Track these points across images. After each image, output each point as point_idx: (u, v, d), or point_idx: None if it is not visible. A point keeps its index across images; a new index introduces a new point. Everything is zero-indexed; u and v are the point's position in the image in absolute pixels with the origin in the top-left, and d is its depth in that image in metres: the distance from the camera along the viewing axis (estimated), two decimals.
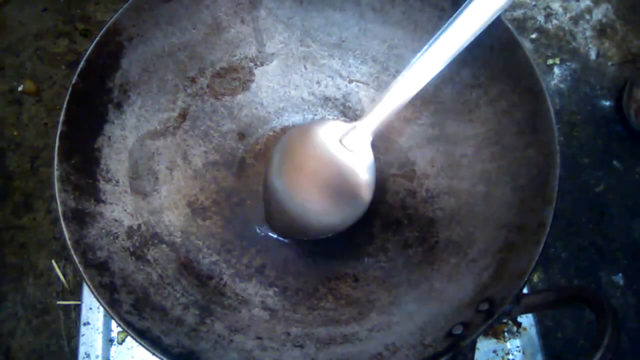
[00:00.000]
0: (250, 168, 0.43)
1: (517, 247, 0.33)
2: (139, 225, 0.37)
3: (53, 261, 0.49)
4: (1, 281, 0.48)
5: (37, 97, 0.54)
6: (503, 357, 0.44)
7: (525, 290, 0.37)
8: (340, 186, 0.37)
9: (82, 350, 0.43)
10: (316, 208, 0.37)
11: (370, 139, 0.37)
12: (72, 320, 0.47)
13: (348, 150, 0.37)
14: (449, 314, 0.33)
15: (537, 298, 0.31)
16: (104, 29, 0.36)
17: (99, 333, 0.43)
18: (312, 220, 0.37)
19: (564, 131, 0.54)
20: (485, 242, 0.36)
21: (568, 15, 0.58)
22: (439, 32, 0.34)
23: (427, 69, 0.35)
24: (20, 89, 0.54)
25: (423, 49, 0.35)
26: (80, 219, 0.33)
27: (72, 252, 0.32)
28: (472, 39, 0.34)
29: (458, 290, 0.35)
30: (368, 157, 0.37)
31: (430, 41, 0.35)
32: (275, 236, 0.41)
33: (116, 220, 0.36)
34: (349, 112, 0.44)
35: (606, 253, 0.50)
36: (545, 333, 0.46)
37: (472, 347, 0.31)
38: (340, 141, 0.37)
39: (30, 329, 0.47)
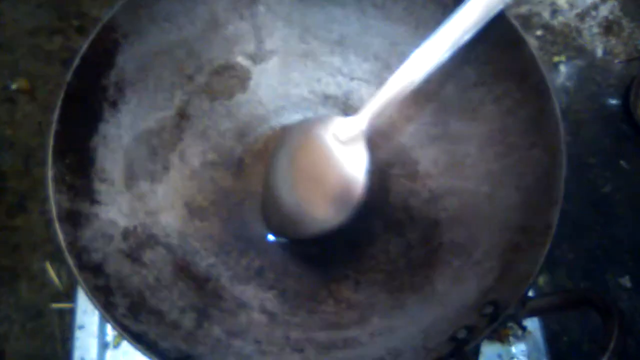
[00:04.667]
0: (249, 168, 0.43)
1: (522, 249, 0.33)
2: (135, 227, 0.36)
3: (47, 263, 0.48)
4: None
5: (30, 95, 0.54)
6: None
7: (530, 293, 0.37)
8: (330, 178, 0.36)
9: (76, 354, 0.42)
10: (306, 200, 0.37)
11: (365, 132, 0.36)
12: (67, 323, 0.46)
13: (340, 143, 0.36)
14: (453, 317, 0.33)
15: (543, 301, 0.31)
16: (99, 26, 0.35)
17: (94, 337, 0.43)
18: (302, 214, 0.37)
19: (570, 130, 0.53)
20: (490, 243, 0.35)
21: (574, 11, 0.58)
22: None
23: (422, 63, 0.34)
24: (13, 87, 0.54)
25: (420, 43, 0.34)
26: (74, 220, 0.33)
27: (67, 254, 0.31)
28: (471, 33, 0.34)
29: (462, 293, 0.34)
30: (360, 150, 0.36)
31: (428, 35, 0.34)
32: (274, 237, 0.40)
33: (111, 222, 0.35)
34: (350, 111, 0.44)
35: (613, 255, 0.50)
36: (550, 337, 0.45)
37: (477, 351, 0.31)
38: (334, 134, 0.37)
39: (24, 332, 0.46)
